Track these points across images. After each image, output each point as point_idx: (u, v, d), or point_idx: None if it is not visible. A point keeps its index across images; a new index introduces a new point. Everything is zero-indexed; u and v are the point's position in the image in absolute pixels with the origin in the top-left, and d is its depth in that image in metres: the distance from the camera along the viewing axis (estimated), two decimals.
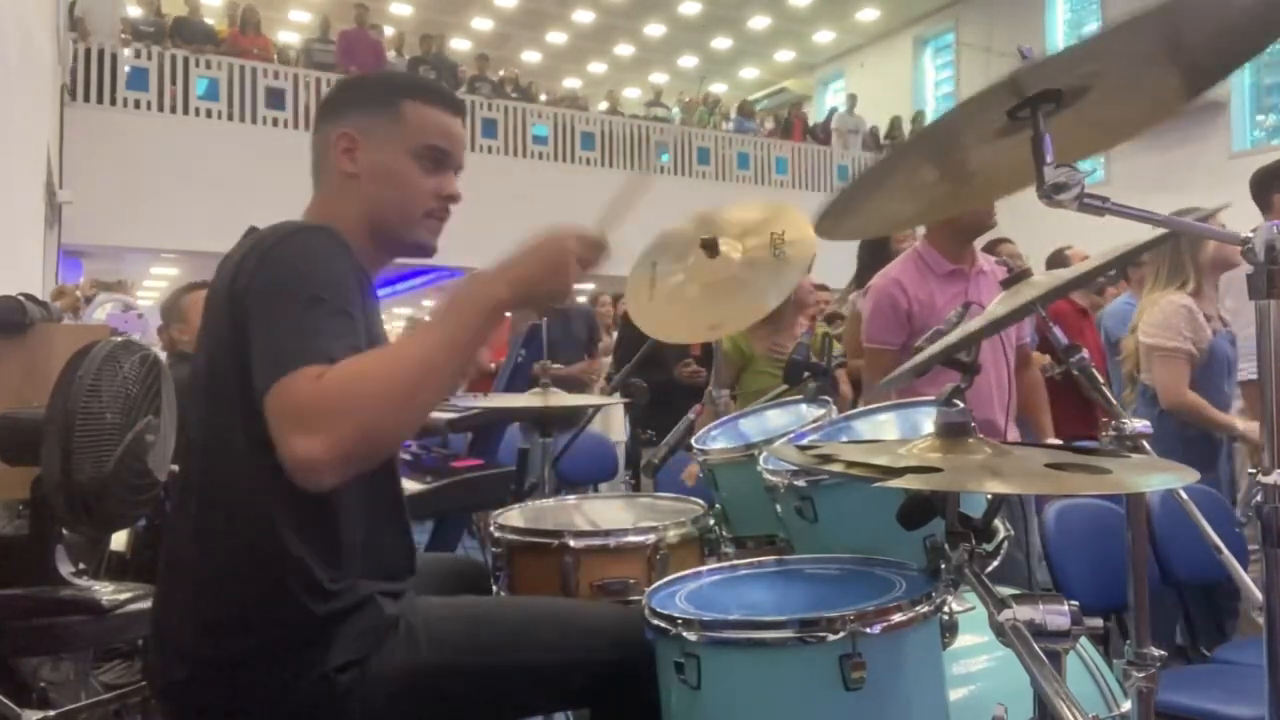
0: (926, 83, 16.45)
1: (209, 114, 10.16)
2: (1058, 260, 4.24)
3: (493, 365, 5.05)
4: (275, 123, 10.39)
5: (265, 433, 1.07)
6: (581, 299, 6.80)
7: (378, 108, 1.39)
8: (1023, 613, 1.00)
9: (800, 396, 2.09)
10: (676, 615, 1.18)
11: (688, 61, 17.50)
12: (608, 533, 1.64)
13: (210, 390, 1.24)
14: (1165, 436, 2.87)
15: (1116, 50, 0.97)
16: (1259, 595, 1.05)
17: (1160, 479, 1.14)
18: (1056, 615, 1.00)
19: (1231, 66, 1.10)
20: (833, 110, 15.20)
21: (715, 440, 2.00)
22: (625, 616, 1.37)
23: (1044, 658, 0.96)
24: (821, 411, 1.91)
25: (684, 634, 1.15)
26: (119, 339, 2.21)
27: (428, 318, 1.25)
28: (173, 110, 10.02)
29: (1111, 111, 1.12)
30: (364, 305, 1.24)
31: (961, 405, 1.17)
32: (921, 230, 3.72)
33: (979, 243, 2.69)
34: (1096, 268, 1.50)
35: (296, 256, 1.20)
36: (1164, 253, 2.99)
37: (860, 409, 1.90)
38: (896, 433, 1.73)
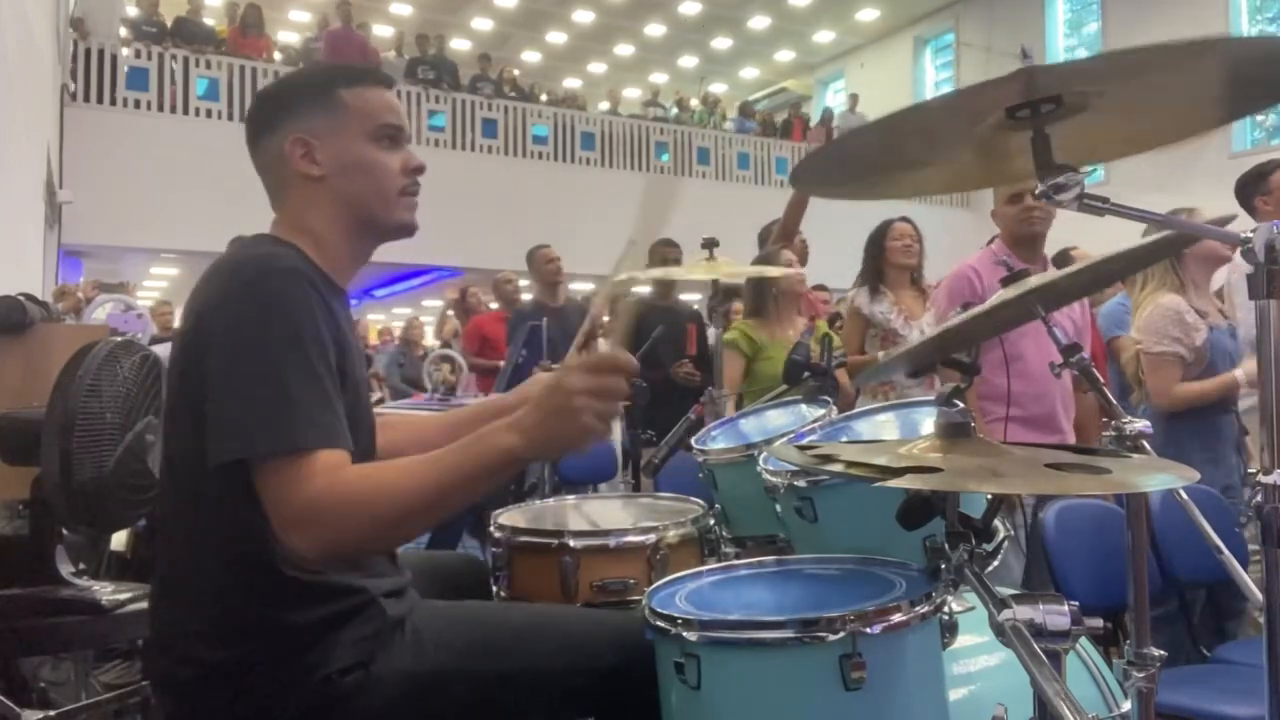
0: (926, 83, 16.45)
1: (209, 114, 10.16)
2: (1063, 261, 4.25)
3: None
4: None
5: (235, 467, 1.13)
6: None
7: (317, 104, 1.34)
8: (1023, 613, 1.00)
9: (800, 396, 2.09)
10: (676, 615, 1.18)
11: (688, 61, 17.50)
12: (608, 533, 1.64)
13: (185, 413, 1.21)
14: (1178, 436, 2.89)
15: (1133, 67, 0.97)
16: (1259, 595, 1.05)
17: (1160, 479, 1.14)
18: (1056, 615, 1.00)
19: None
20: (826, 110, 15.19)
21: (715, 440, 2.00)
22: (627, 623, 1.37)
23: (1044, 658, 0.96)
24: (821, 411, 1.91)
25: (684, 634, 1.15)
26: (119, 339, 2.21)
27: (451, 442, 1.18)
28: (173, 110, 10.02)
29: (1119, 124, 1.12)
30: (336, 337, 1.23)
31: (961, 405, 1.17)
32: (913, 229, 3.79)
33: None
34: (1097, 269, 1.50)
35: (266, 306, 1.17)
36: None
37: (860, 409, 1.91)
38: (896, 433, 1.73)
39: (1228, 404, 2.95)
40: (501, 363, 5.07)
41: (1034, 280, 1.44)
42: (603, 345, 1.20)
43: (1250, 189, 3.36)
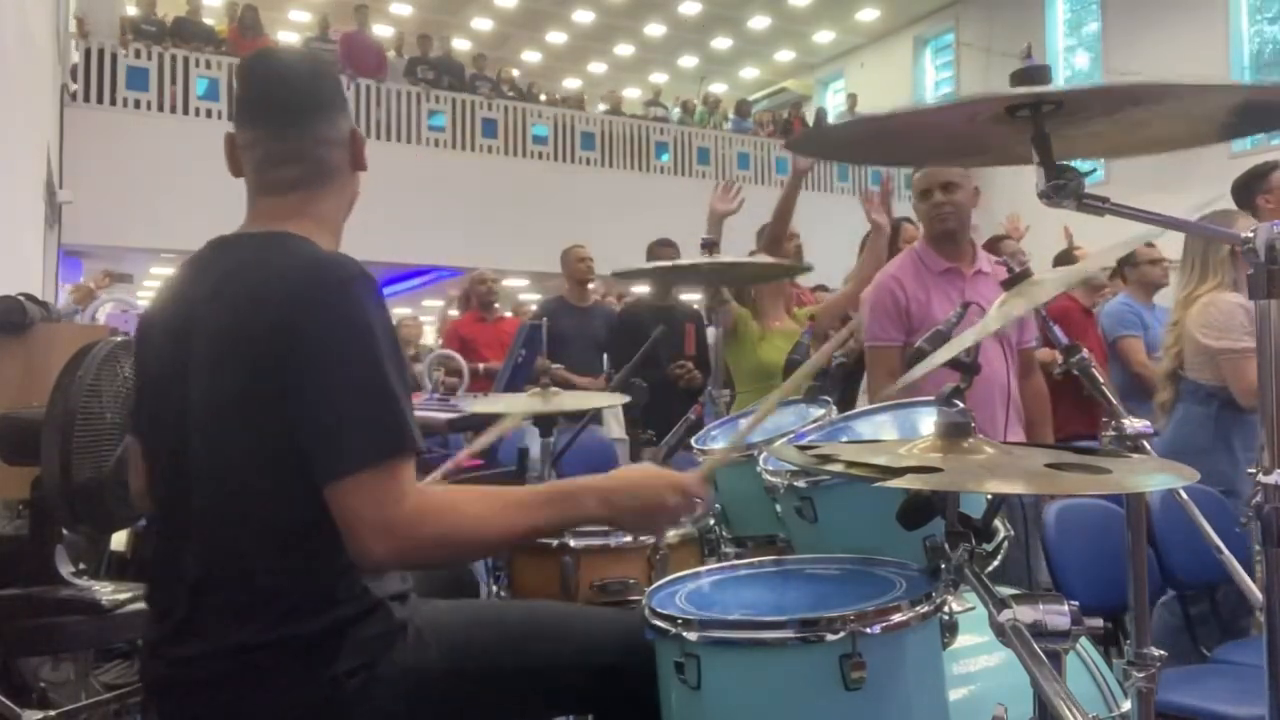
0: (926, 83, 16.44)
1: (209, 114, 10.15)
2: (1065, 260, 4.24)
3: (481, 368, 5.06)
4: None
5: (302, 470, 1.14)
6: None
7: (346, 105, 1.41)
8: (1023, 613, 1.00)
9: (800, 396, 2.09)
10: (676, 615, 1.18)
11: (688, 61, 17.49)
12: (608, 533, 1.64)
13: (241, 411, 1.19)
14: (1226, 435, 2.87)
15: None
16: (1259, 595, 1.05)
17: (1160, 479, 1.14)
18: (1056, 615, 1.00)
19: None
20: (820, 111, 15.19)
21: (715, 440, 2.00)
22: (627, 620, 1.37)
23: (1044, 658, 0.96)
24: (821, 411, 1.91)
25: (684, 634, 1.15)
26: (119, 339, 2.21)
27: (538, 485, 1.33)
28: (173, 110, 10.02)
29: (1120, 127, 1.12)
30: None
31: (961, 405, 1.17)
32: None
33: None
34: (1094, 267, 1.50)
35: (359, 317, 1.17)
36: (1194, 252, 2.97)
37: (860, 409, 1.91)
38: (896, 433, 1.73)
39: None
40: (481, 365, 5.06)
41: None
42: (696, 480, 1.33)
43: (1252, 188, 3.34)
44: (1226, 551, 1.63)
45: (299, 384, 1.15)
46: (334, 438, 1.13)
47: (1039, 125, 1.02)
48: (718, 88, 16.82)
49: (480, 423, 3.37)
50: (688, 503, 1.29)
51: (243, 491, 1.19)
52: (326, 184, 1.36)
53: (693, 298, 4.95)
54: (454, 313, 7.19)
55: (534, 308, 5.96)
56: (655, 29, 16.21)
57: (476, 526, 1.18)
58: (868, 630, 1.10)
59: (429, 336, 8.98)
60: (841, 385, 3.63)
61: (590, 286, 5.13)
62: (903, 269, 2.62)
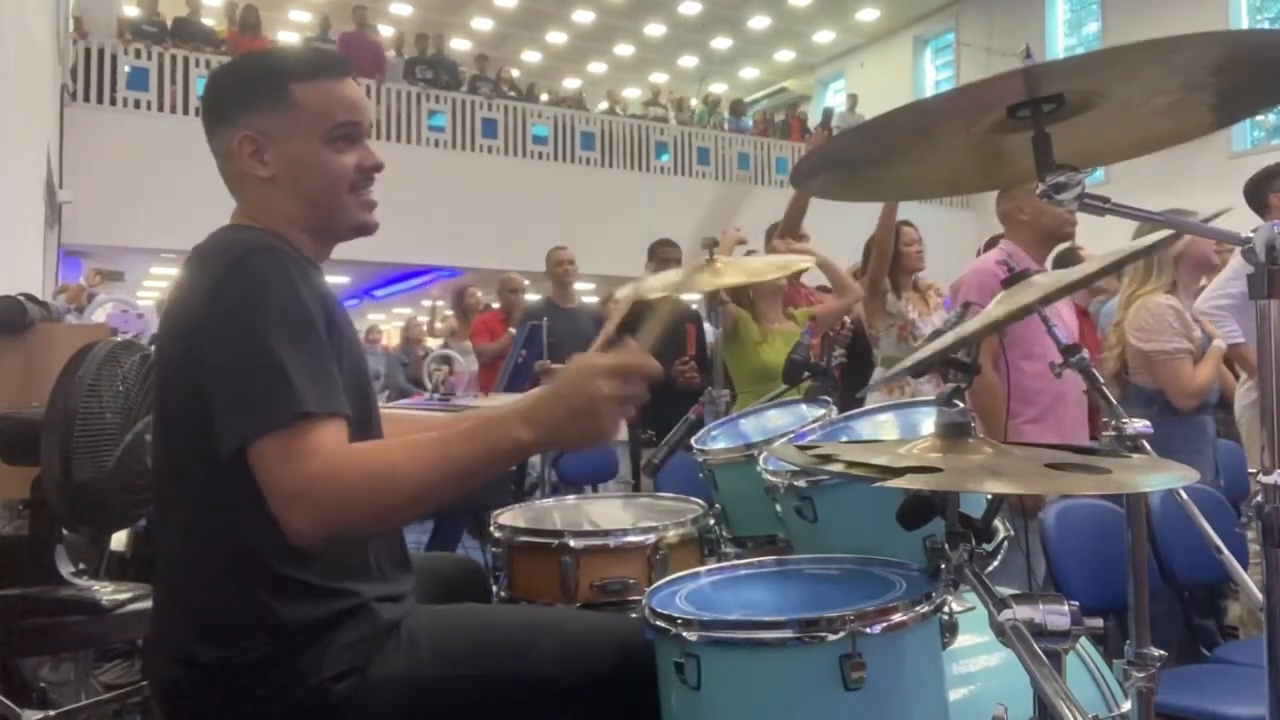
0: (926, 83, 16.45)
1: None
2: (1067, 259, 4.24)
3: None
4: None
5: (229, 463, 1.10)
6: (592, 299, 6.79)
7: (268, 100, 1.28)
8: (1023, 613, 1.00)
9: (800, 396, 2.09)
10: (676, 615, 1.18)
11: (688, 61, 17.50)
12: (608, 533, 1.64)
13: (177, 411, 1.20)
14: (1165, 435, 2.88)
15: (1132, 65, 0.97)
16: (1259, 595, 1.05)
17: (1160, 479, 1.14)
18: (1056, 615, 1.00)
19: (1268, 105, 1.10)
20: (827, 110, 15.18)
21: (715, 440, 2.00)
22: (625, 625, 1.36)
23: (1044, 658, 0.96)
24: (821, 411, 1.91)
25: (684, 634, 1.15)
26: (119, 339, 2.21)
27: (453, 427, 1.16)
28: (173, 110, 10.02)
29: (1122, 125, 1.12)
30: (324, 307, 1.20)
31: (961, 405, 1.17)
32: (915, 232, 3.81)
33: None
34: (1101, 269, 1.50)
35: (251, 287, 1.15)
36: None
37: (860, 409, 1.90)
38: (896, 433, 1.73)
39: (1207, 405, 2.96)
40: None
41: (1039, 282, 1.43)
42: (633, 347, 1.16)
43: (1265, 186, 3.36)
44: (1226, 551, 1.63)
45: (201, 370, 1.14)
46: (225, 415, 1.11)
47: (1039, 125, 1.02)
48: (718, 88, 16.84)
49: None
50: (628, 384, 1.12)
51: (212, 479, 1.18)
52: (243, 191, 1.33)
53: (692, 298, 4.95)
54: (449, 312, 7.30)
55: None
56: (655, 29, 16.22)
57: (394, 486, 1.09)
58: (868, 630, 1.10)
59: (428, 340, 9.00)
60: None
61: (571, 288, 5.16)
62: (1001, 258, 2.67)
